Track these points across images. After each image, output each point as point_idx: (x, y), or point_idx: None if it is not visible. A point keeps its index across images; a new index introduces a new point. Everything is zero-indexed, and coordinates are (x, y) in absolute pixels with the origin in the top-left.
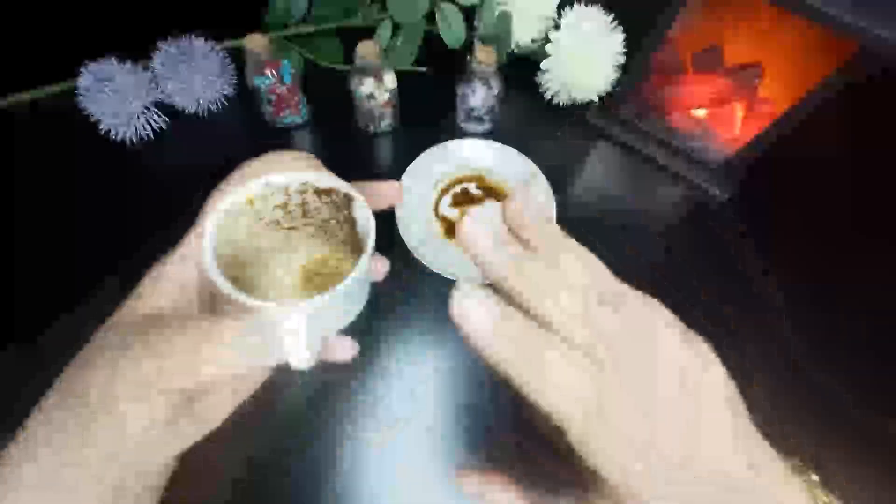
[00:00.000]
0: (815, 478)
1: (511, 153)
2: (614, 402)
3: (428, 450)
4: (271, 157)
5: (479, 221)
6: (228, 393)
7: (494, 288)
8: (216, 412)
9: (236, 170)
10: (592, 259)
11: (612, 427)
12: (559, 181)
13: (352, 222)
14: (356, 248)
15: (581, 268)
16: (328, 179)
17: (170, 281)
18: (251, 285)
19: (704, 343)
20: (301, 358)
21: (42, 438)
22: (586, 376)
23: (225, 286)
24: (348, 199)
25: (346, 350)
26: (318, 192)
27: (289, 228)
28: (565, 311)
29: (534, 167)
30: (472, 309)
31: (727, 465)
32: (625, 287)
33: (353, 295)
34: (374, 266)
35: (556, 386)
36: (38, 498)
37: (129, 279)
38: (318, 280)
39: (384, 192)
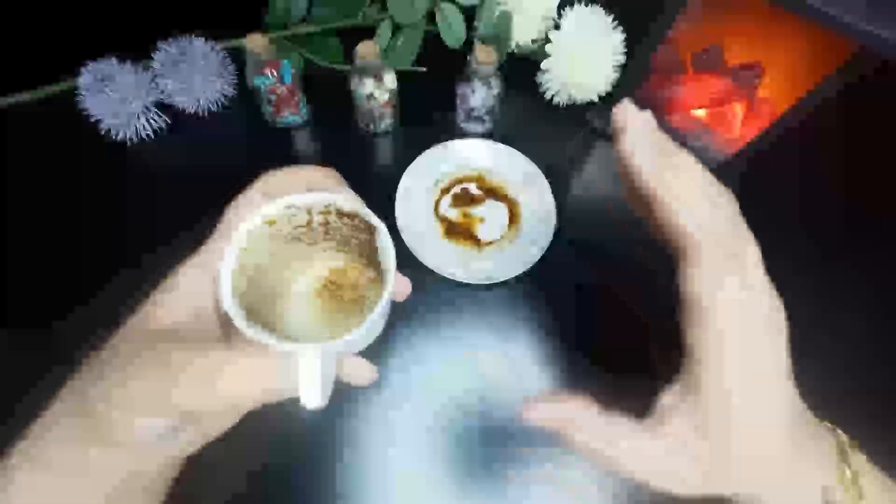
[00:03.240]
0: (843, 437)
1: (511, 153)
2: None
3: (432, 451)
4: (293, 171)
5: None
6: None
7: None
8: (218, 425)
9: (257, 181)
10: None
11: (726, 269)
12: (559, 181)
13: (372, 240)
14: (376, 261)
15: None
16: (351, 203)
17: (185, 294)
18: (271, 297)
19: None
20: (314, 399)
21: (48, 441)
22: (717, 214)
23: (244, 324)
24: (371, 228)
25: (364, 375)
26: (341, 214)
27: (309, 244)
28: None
29: (534, 167)
30: (636, 112)
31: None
32: None
33: (372, 329)
34: (396, 287)
35: (690, 209)
36: (38, 500)
37: (130, 279)
38: (337, 291)
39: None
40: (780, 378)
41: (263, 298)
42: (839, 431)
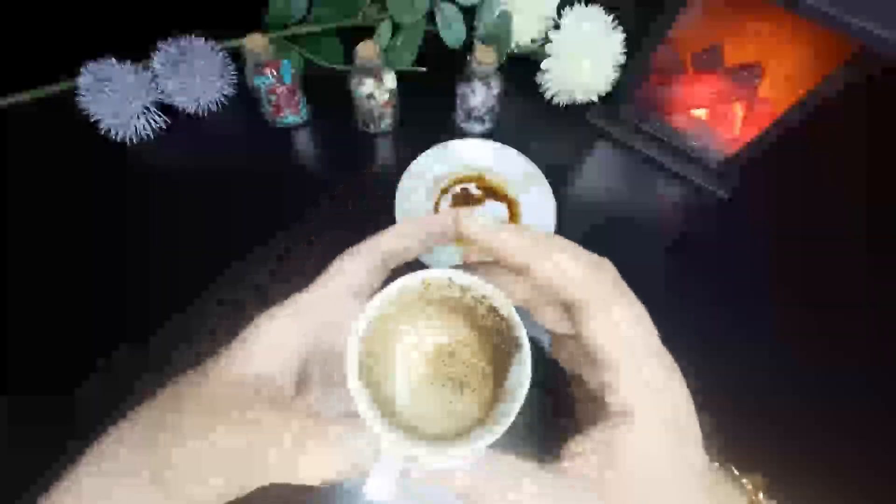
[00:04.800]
0: (748, 485)
1: (511, 153)
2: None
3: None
4: (404, 230)
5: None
6: None
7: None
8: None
9: (371, 239)
10: None
11: (618, 304)
12: (559, 181)
13: (505, 340)
14: (495, 356)
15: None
16: (511, 310)
17: (272, 344)
18: (382, 354)
19: None
20: (382, 495)
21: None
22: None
23: (369, 413)
24: (517, 343)
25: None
26: (490, 308)
27: (440, 312)
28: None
29: (534, 167)
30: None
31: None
32: None
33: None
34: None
35: (566, 271)
36: None
37: (130, 279)
38: (443, 365)
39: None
40: (692, 416)
41: (374, 355)
42: (745, 481)
